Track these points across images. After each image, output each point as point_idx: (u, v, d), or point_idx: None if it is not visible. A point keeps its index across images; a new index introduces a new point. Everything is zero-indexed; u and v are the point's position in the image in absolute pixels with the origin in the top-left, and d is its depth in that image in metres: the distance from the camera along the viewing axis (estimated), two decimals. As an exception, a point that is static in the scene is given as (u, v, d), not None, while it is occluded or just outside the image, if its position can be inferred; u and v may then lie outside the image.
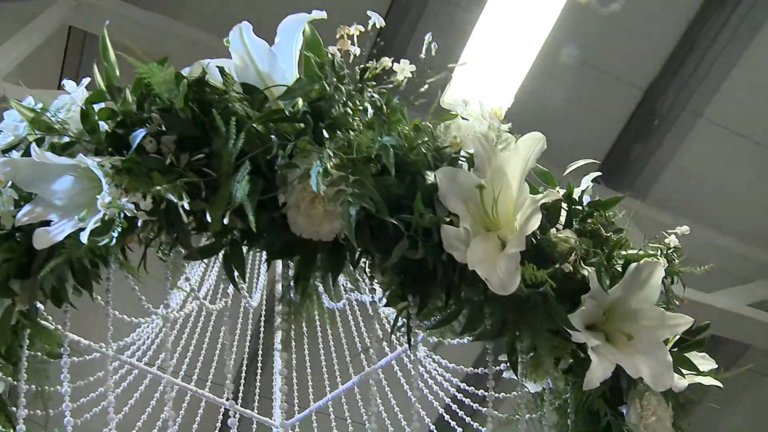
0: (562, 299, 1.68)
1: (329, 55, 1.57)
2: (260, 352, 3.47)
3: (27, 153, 1.57)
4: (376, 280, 1.73)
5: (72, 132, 1.61)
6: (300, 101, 1.54)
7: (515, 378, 1.79)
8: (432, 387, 2.89)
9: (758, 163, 5.42)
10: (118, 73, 1.62)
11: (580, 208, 1.82)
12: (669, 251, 1.88)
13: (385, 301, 1.73)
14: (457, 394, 2.86)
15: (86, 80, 1.70)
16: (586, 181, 1.88)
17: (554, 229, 1.74)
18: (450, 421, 3.00)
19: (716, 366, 1.96)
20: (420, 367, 2.84)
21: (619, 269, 1.78)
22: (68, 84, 1.71)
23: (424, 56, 1.57)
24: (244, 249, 1.60)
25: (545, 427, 1.91)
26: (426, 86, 1.61)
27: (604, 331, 1.78)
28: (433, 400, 2.96)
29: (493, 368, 1.81)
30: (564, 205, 1.79)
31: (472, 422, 2.83)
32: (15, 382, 1.71)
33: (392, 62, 1.58)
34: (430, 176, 1.58)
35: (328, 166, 1.39)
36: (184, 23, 4.71)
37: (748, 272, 5.64)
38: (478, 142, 1.63)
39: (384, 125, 1.52)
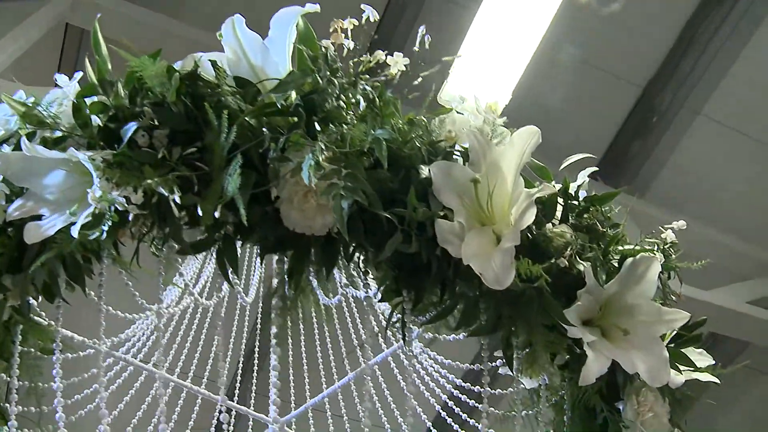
0: (557, 294, 1.67)
1: (322, 49, 1.56)
2: (257, 349, 3.47)
3: (18, 147, 1.56)
4: (370, 276, 1.73)
5: (64, 126, 1.60)
6: (293, 95, 1.53)
7: (511, 374, 1.78)
8: (429, 384, 2.88)
9: (758, 160, 5.40)
10: (110, 67, 1.61)
11: (576, 203, 1.81)
12: (666, 246, 1.87)
13: (379, 296, 1.73)
14: (454, 391, 2.85)
15: (79, 74, 1.69)
16: (583, 176, 1.87)
17: (550, 224, 1.73)
18: (447, 418, 2.99)
19: (714, 362, 1.95)
20: (417, 363, 2.83)
21: (616, 264, 1.77)
22: (60, 78, 1.70)
23: (417, 48, 1.55)
24: (238, 244, 1.60)
25: (541, 424, 1.90)
26: (419, 79, 1.59)
27: (601, 326, 1.77)
28: (431, 398, 2.96)
29: (489, 364, 1.81)
30: (560, 200, 1.78)
31: (469, 419, 2.82)
32: (8, 379, 1.70)
33: (386, 55, 1.57)
34: (424, 170, 1.58)
35: (320, 159, 1.38)
36: (184, 23, 4.70)
37: (747, 270, 5.63)
38: (473, 136, 1.62)
39: (377, 118, 1.51)
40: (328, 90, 1.51)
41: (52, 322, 1.75)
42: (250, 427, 3.32)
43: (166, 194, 1.40)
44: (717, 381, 1.91)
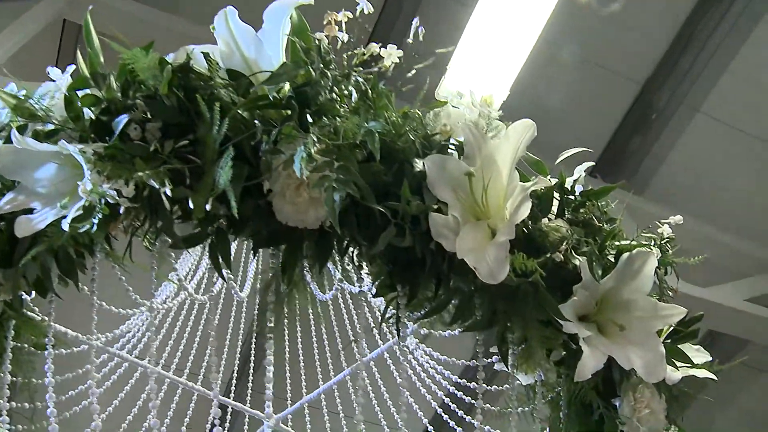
0: (553, 289, 1.66)
1: (316, 42, 1.55)
2: (253, 345, 3.46)
3: (9, 140, 1.55)
4: (365, 270, 1.72)
5: (56, 119, 1.59)
6: (287, 87, 1.52)
7: (506, 370, 1.77)
8: (425, 381, 2.87)
9: (756, 157, 5.39)
10: (102, 59, 1.60)
11: (572, 197, 1.80)
12: (662, 242, 1.86)
13: (374, 291, 1.72)
14: (450, 388, 2.84)
15: (72, 68, 1.68)
16: (579, 171, 1.86)
17: (546, 218, 1.72)
18: (444, 416, 2.98)
19: (711, 359, 1.94)
20: (413, 360, 2.82)
21: (612, 259, 1.76)
22: (53, 71, 1.69)
23: (411, 40, 1.54)
24: (231, 238, 1.59)
25: (537, 420, 1.90)
26: (413, 71, 1.58)
27: (597, 322, 1.76)
28: (428, 396, 2.95)
29: (484, 360, 1.80)
30: (556, 194, 1.77)
31: (465, 416, 2.81)
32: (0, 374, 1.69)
33: (380, 48, 1.55)
34: (419, 164, 1.56)
35: (312, 152, 1.37)
36: (183, 19, 4.68)
37: (746, 267, 5.62)
38: (468, 129, 1.61)
39: (370, 110, 1.50)
40: (321, 82, 1.50)
41: (45, 318, 1.74)
42: (246, 423, 3.31)
43: (157, 187, 1.39)
44: (714, 377, 1.91)
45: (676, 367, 1.85)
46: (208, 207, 1.43)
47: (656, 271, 1.79)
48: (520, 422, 1.91)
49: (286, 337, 3.31)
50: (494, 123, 1.67)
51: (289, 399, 3.19)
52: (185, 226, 1.59)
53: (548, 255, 1.63)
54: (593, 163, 1.95)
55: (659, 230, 1.86)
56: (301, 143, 1.40)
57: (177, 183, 1.46)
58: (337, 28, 1.59)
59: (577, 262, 1.68)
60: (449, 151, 1.65)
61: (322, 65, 1.51)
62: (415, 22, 1.56)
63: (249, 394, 3.44)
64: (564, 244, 1.65)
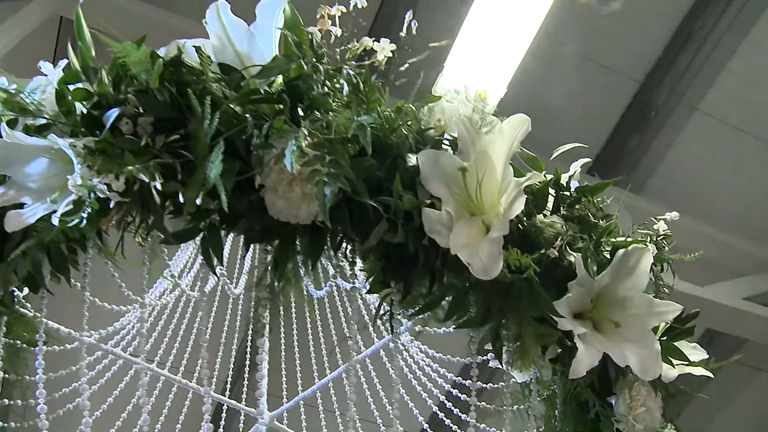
0: (548, 286, 1.65)
1: (309, 35, 1.54)
2: (249, 343, 3.45)
3: (-1, 135, 1.54)
4: (359, 267, 1.71)
5: (47, 114, 1.58)
6: (279, 81, 1.51)
7: (501, 367, 1.76)
8: (421, 378, 2.86)
9: (755, 156, 5.38)
10: (94, 53, 1.59)
11: (567, 193, 1.79)
12: (658, 238, 1.85)
13: (368, 288, 1.71)
14: (446, 385, 2.83)
15: (63, 62, 1.67)
16: (575, 167, 1.85)
17: (541, 215, 1.71)
18: (440, 413, 2.97)
19: (708, 357, 1.93)
20: (409, 358, 2.81)
21: (608, 256, 1.75)
22: (45, 65, 1.68)
23: (404, 34, 1.53)
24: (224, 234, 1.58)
25: (532, 418, 1.88)
26: (405, 66, 1.57)
27: (592, 319, 1.75)
28: (423, 394, 2.94)
29: (479, 357, 1.79)
30: (551, 190, 1.76)
31: (462, 414, 2.80)
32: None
33: (372, 42, 1.54)
34: (412, 159, 1.55)
35: (303, 146, 1.36)
36: (179, 15, 4.67)
37: (744, 266, 5.61)
38: (461, 124, 1.60)
39: (362, 104, 1.49)
40: (313, 76, 1.49)
41: (37, 314, 1.73)
42: (242, 421, 3.30)
43: (147, 181, 1.38)
44: (710, 375, 1.89)
45: (673, 365, 1.83)
46: (198, 201, 1.41)
47: (652, 267, 1.77)
48: (516, 420, 1.90)
49: (282, 335, 3.29)
50: (489, 118, 1.65)
51: (284, 396, 3.18)
52: (179, 222, 1.58)
53: (543, 251, 1.61)
54: (589, 160, 1.94)
55: (655, 227, 1.84)
56: (292, 137, 1.39)
57: (169, 178, 1.45)
58: (330, 22, 1.58)
59: (572, 259, 1.67)
60: (443, 146, 1.64)
61: (314, 59, 1.50)
62: (408, 15, 1.54)
63: (245, 392, 3.43)
64: (559, 240, 1.64)
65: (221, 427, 3.50)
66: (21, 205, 1.53)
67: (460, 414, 2.86)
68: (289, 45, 1.55)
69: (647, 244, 1.78)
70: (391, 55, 1.56)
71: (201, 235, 1.57)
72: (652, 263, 1.76)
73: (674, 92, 5.15)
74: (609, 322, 1.72)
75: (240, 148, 1.46)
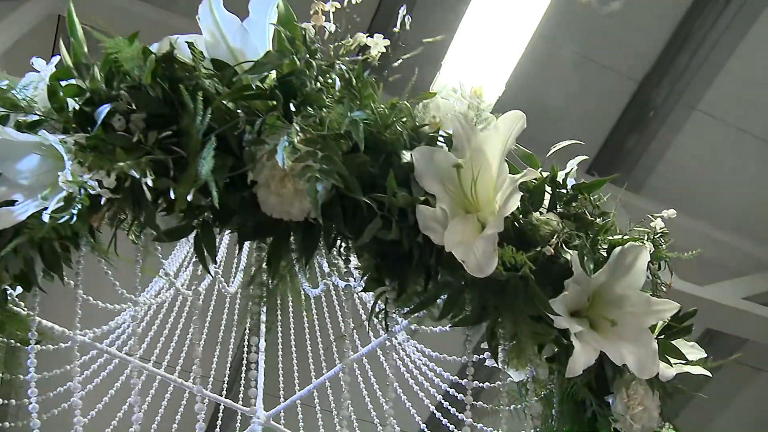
0: (544, 284, 1.64)
1: (302, 31, 1.52)
2: (245, 341, 3.43)
3: (-9, 132, 1.52)
4: (354, 264, 1.70)
5: (39, 110, 1.57)
6: (272, 77, 1.50)
7: (497, 366, 1.75)
8: (420, 381, 2.85)
9: (754, 155, 5.37)
10: (86, 50, 1.58)
11: (564, 191, 1.78)
12: (655, 236, 1.83)
13: (363, 286, 1.69)
14: (444, 386, 2.82)
15: (56, 59, 1.66)
16: (572, 164, 1.84)
17: (537, 212, 1.70)
18: (437, 413, 2.96)
19: (706, 356, 1.92)
20: (406, 358, 2.80)
21: (604, 254, 1.74)
22: (37, 62, 1.67)
23: (397, 29, 1.52)
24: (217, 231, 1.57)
25: (529, 417, 1.87)
26: (399, 62, 1.56)
27: (589, 317, 1.74)
28: (420, 394, 2.93)
29: (475, 357, 1.78)
30: (548, 188, 1.75)
31: (458, 414, 2.79)
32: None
33: (366, 37, 1.53)
34: (406, 155, 1.54)
35: (295, 141, 1.35)
36: (179, 15, 4.66)
37: (744, 265, 5.60)
38: (456, 121, 1.58)
39: (354, 100, 1.48)
40: (306, 72, 1.47)
41: (30, 312, 1.72)
42: (239, 421, 3.29)
43: (138, 176, 1.37)
44: (708, 374, 1.88)
45: (670, 364, 1.82)
46: (189, 198, 1.40)
47: (649, 265, 1.76)
48: (514, 420, 1.89)
49: (279, 334, 3.28)
50: (484, 115, 1.64)
51: (281, 396, 3.17)
52: (173, 220, 1.57)
53: (539, 249, 1.60)
54: (587, 157, 1.93)
55: (651, 224, 1.83)
56: (285, 133, 1.38)
57: (161, 174, 1.44)
58: (324, 18, 1.57)
59: (568, 257, 1.66)
60: (438, 143, 1.63)
61: (307, 55, 1.49)
62: (402, 10, 1.53)
63: (241, 392, 3.42)
64: (555, 237, 1.63)
65: (218, 427, 3.49)
66: (12, 202, 1.52)
67: (457, 414, 2.85)
68: (282, 41, 1.53)
69: (644, 242, 1.77)
70: (384, 50, 1.55)
71: (194, 232, 1.56)
72: (649, 261, 1.75)
73: (673, 92, 5.14)
74: (606, 321, 1.71)
75: (232, 145, 1.45)
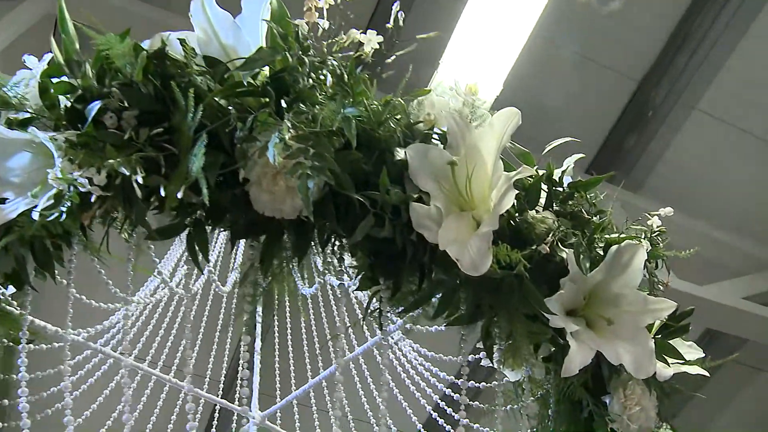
0: (540, 283, 1.63)
1: (295, 27, 1.51)
2: (242, 341, 3.41)
3: (-20, 129, 1.51)
4: (348, 263, 1.68)
5: (31, 107, 1.56)
6: (265, 73, 1.49)
7: (492, 365, 1.74)
8: (414, 378, 2.83)
9: (754, 155, 5.36)
10: (77, 46, 1.57)
11: (560, 189, 1.77)
12: (653, 234, 1.82)
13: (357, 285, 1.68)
14: (440, 385, 2.80)
15: (49, 56, 1.64)
16: (568, 162, 1.82)
17: (533, 210, 1.69)
18: (434, 413, 2.95)
19: (704, 356, 1.91)
20: (402, 357, 2.79)
21: (601, 252, 1.72)
22: (29, 59, 1.66)
23: (390, 25, 1.51)
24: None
25: (525, 417, 1.86)
26: (392, 58, 1.55)
27: (585, 317, 1.73)
28: (416, 393, 2.91)
29: (471, 356, 1.77)
30: (544, 186, 1.74)
31: (455, 415, 2.77)
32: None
33: (360, 33, 1.52)
34: (400, 153, 1.53)
35: (286, 138, 1.33)
36: (179, 15, 4.64)
37: (744, 265, 5.59)
38: (451, 118, 1.57)
39: (347, 96, 1.46)
40: (298, 68, 1.46)
41: (23, 311, 1.71)
42: (234, 422, 3.28)
43: (128, 174, 1.36)
44: (706, 374, 1.87)
45: (668, 363, 1.81)
46: (180, 195, 1.39)
47: (646, 264, 1.75)
48: (510, 420, 1.88)
49: (276, 333, 3.27)
50: (479, 112, 1.63)
51: (278, 396, 3.15)
52: (167, 219, 1.56)
53: (534, 247, 1.59)
54: (584, 156, 1.91)
55: (648, 222, 1.82)
56: (276, 130, 1.36)
57: (152, 172, 1.43)
58: (318, 15, 1.56)
59: (564, 255, 1.65)
60: (433, 140, 1.61)
61: (300, 51, 1.47)
62: (395, 6, 1.52)
63: (237, 391, 3.40)
64: (550, 236, 1.61)
65: (213, 427, 3.48)
66: (2, 200, 1.51)
67: (454, 415, 2.83)
68: (274, 37, 1.52)
69: (641, 240, 1.76)
70: (378, 47, 1.53)
71: (187, 231, 1.55)
72: (646, 260, 1.74)
73: (672, 91, 5.13)
74: (602, 320, 1.70)
75: (224, 142, 1.44)
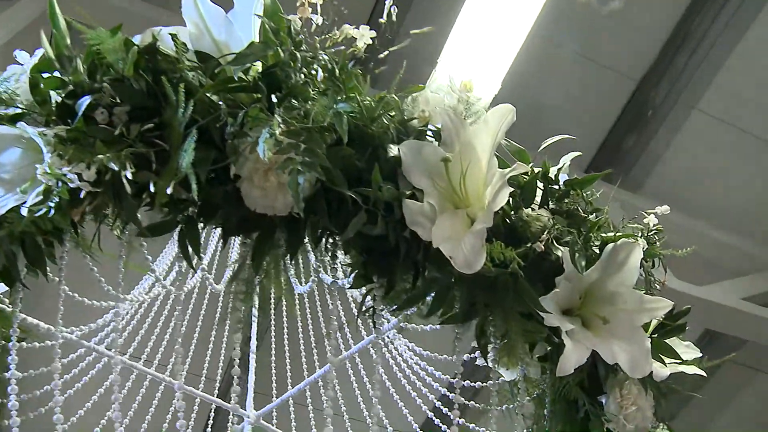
0: (534, 281, 1.62)
1: (287, 22, 1.50)
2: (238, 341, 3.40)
3: (-29, 125, 1.50)
4: (343, 261, 1.67)
5: (21, 103, 1.54)
6: (257, 68, 1.47)
7: (487, 364, 1.73)
8: (411, 378, 2.82)
9: (753, 155, 5.35)
10: (69, 41, 1.55)
11: (556, 187, 1.75)
12: (649, 233, 1.81)
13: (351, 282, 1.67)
14: (436, 385, 2.79)
15: (40, 51, 1.63)
16: (564, 160, 1.81)
17: (529, 208, 1.67)
18: (433, 417, 2.93)
19: (702, 355, 1.89)
20: (398, 356, 2.77)
21: (597, 251, 1.71)
22: (20, 54, 1.64)
23: (383, 20, 1.50)
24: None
25: (520, 417, 1.85)
26: (385, 54, 1.54)
27: (581, 316, 1.72)
28: (413, 394, 2.90)
29: (463, 355, 1.75)
30: (540, 184, 1.73)
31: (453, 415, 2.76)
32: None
33: (353, 29, 1.51)
34: (393, 149, 1.51)
35: (277, 133, 1.32)
36: (178, 14, 4.62)
37: (743, 266, 5.57)
38: (445, 114, 1.56)
39: (339, 91, 1.45)
40: (290, 64, 1.45)
41: (15, 309, 1.70)
42: (230, 421, 3.27)
43: (117, 169, 1.34)
44: (703, 374, 1.86)
45: (664, 363, 1.79)
46: (170, 191, 1.38)
47: (643, 263, 1.74)
48: (506, 420, 1.87)
49: (273, 333, 3.26)
50: (474, 108, 1.61)
51: (274, 395, 3.14)
52: (159, 216, 1.54)
53: (529, 245, 1.58)
54: (580, 154, 1.90)
55: (645, 221, 1.81)
56: (268, 126, 1.35)
57: (143, 168, 1.42)
58: (311, 10, 1.55)
59: (559, 253, 1.63)
60: (427, 137, 1.60)
61: (292, 46, 1.46)
62: (388, 2, 1.51)
63: (233, 390, 3.39)
64: (546, 233, 1.60)
65: (209, 426, 3.47)
66: (-7, 197, 1.50)
67: (450, 415, 2.82)
68: (267, 32, 1.51)
69: (637, 238, 1.75)
70: (371, 42, 1.52)
71: (178, 228, 1.54)
72: (643, 258, 1.73)
73: (672, 91, 5.11)
74: (598, 319, 1.69)
75: (215, 137, 1.43)
